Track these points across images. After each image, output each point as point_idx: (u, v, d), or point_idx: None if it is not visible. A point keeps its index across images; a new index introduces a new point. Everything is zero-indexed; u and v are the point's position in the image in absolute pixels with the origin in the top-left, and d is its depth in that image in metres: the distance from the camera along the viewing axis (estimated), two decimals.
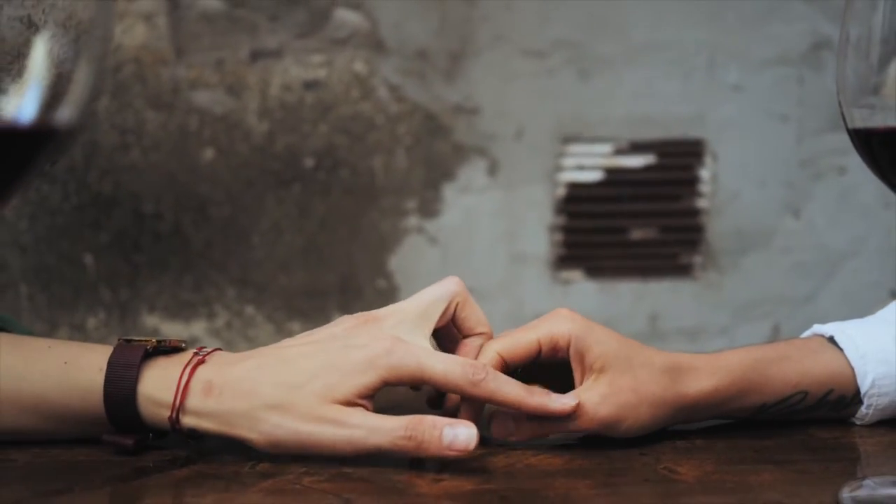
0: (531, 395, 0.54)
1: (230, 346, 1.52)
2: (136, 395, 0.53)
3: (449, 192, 1.51)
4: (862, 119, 0.45)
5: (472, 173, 1.52)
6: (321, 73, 1.51)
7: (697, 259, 1.56)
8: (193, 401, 0.53)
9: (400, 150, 1.50)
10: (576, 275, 1.53)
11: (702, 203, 1.55)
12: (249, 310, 1.51)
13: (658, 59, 1.52)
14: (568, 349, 0.55)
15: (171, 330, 1.49)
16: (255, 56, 1.48)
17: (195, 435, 0.54)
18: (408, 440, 0.51)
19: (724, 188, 1.55)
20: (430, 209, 1.52)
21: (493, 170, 1.53)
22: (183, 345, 0.56)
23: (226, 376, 0.53)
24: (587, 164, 1.53)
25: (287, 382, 0.52)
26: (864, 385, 0.58)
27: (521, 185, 1.53)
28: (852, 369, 0.58)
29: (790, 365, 0.57)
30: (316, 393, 0.51)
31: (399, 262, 1.49)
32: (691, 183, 1.55)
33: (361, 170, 1.52)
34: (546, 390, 0.54)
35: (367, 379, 0.52)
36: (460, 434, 0.51)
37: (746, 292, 1.57)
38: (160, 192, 1.47)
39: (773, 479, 0.51)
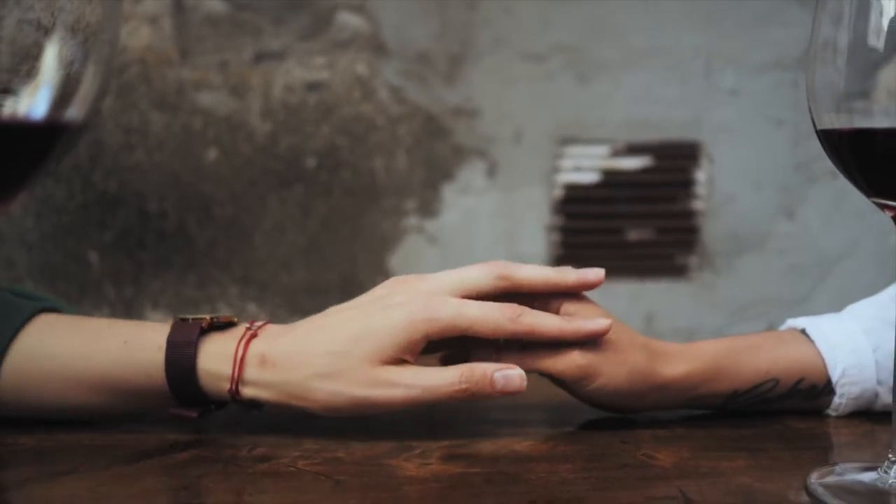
0: (568, 321, 0.56)
1: None
2: (196, 370, 0.55)
3: (449, 192, 1.54)
4: (840, 121, 0.47)
5: (472, 174, 1.54)
6: (323, 75, 1.54)
7: (693, 260, 1.58)
8: (250, 373, 0.55)
9: (400, 152, 1.52)
10: None
11: (698, 205, 1.57)
12: (252, 307, 1.53)
13: (655, 64, 1.55)
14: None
15: None
16: (259, 58, 1.50)
17: (256, 405, 0.56)
18: (463, 391, 0.53)
19: (719, 191, 1.57)
20: (430, 209, 1.54)
21: (492, 171, 1.55)
22: (235, 320, 0.58)
23: (277, 348, 0.55)
24: (585, 165, 1.55)
25: (335, 350, 0.54)
26: (835, 374, 0.60)
27: (519, 186, 1.55)
28: (823, 359, 0.60)
29: (761, 353, 0.60)
30: (363, 357, 0.54)
31: (399, 261, 1.51)
32: (687, 185, 1.57)
33: (363, 170, 1.54)
34: (577, 317, 0.57)
35: (409, 335, 0.54)
36: (512, 377, 0.53)
37: (742, 293, 1.59)
38: (164, 192, 1.49)
39: (746, 466, 0.53)
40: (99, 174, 1.50)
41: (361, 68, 1.51)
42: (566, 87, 1.53)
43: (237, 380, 0.55)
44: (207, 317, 0.57)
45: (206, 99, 1.49)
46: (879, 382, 0.60)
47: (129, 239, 1.51)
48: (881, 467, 0.49)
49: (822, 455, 0.56)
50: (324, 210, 1.52)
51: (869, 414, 0.62)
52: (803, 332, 0.62)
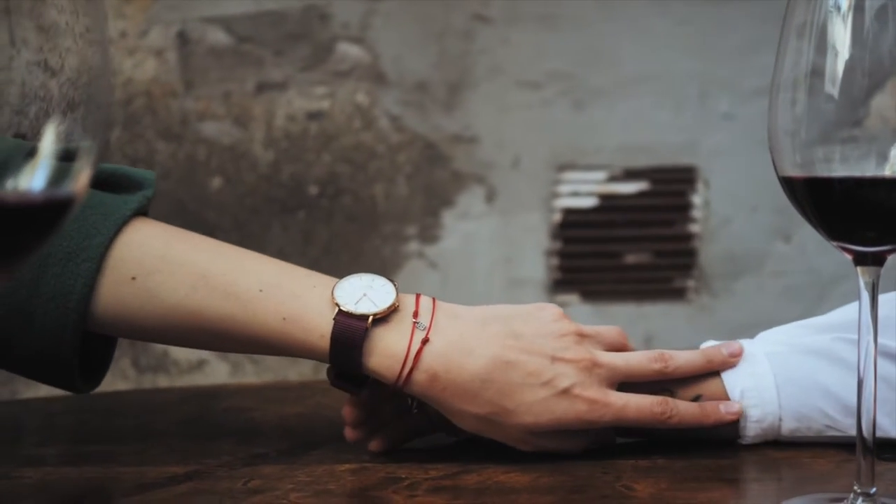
0: (706, 414, 0.60)
1: (239, 367, 1.56)
2: (362, 367, 0.57)
3: (448, 218, 1.56)
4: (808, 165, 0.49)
5: (471, 200, 1.57)
6: (324, 105, 1.57)
7: (690, 283, 1.60)
8: (416, 385, 0.57)
9: (400, 178, 1.55)
10: (571, 298, 1.58)
11: (694, 228, 1.60)
12: None
13: (650, 90, 1.57)
14: None
15: (181, 352, 1.54)
16: (261, 88, 1.54)
17: (416, 401, 0.59)
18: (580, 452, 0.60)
19: (716, 214, 1.59)
20: (429, 235, 1.57)
21: (490, 197, 1.58)
22: (397, 305, 0.57)
23: (453, 374, 0.56)
24: (582, 190, 1.57)
25: (505, 407, 0.57)
26: (734, 395, 0.62)
27: (517, 211, 1.58)
28: (721, 379, 0.62)
29: None
30: (524, 426, 0.58)
31: (400, 286, 1.53)
32: (684, 209, 1.59)
33: (363, 197, 1.57)
34: (711, 402, 0.60)
35: (569, 425, 0.59)
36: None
37: (739, 315, 1.61)
38: (170, 220, 1.52)
39: (722, 496, 0.55)
40: None
41: (361, 97, 1.54)
42: (562, 114, 1.55)
43: (403, 383, 0.57)
44: (371, 314, 0.56)
45: (209, 129, 1.53)
46: (781, 407, 0.61)
47: None
48: (847, 499, 0.51)
49: (799, 484, 0.58)
50: (325, 236, 1.55)
51: (848, 445, 0.63)
52: None
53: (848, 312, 0.62)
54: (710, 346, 0.62)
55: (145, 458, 0.63)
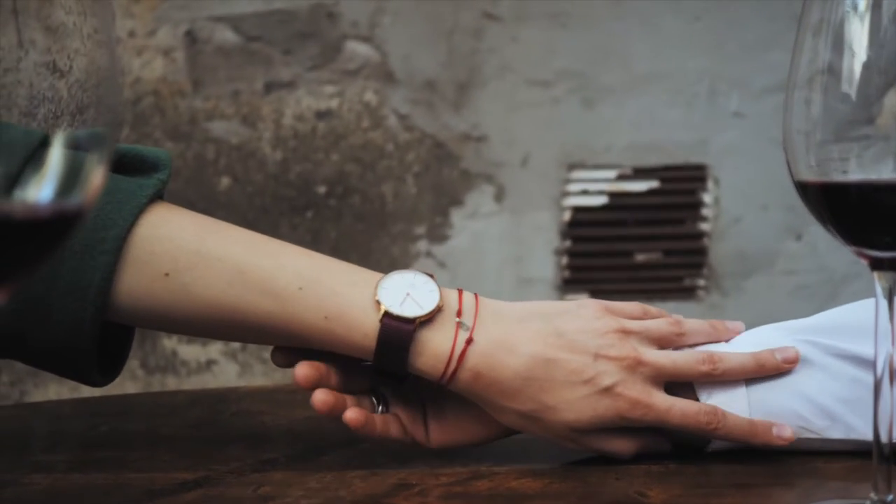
0: (755, 433, 0.58)
1: (246, 368, 1.56)
2: (407, 366, 0.56)
3: (457, 217, 1.56)
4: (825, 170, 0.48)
5: (480, 199, 1.56)
6: (333, 104, 1.56)
7: (701, 282, 1.59)
8: (461, 383, 0.57)
9: (409, 178, 1.54)
10: (581, 297, 1.57)
11: (705, 227, 1.59)
12: None
13: (660, 88, 1.57)
14: None
15: (189, 352, 1.54)
16: (270, 88, 1.53)
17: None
18: (630, 456, 0.59)
19: (726, 212, 1.58)
20: (438, 234, 1.56)
21: (499, 196, 1.57)
22: (441, 306, 0.56)
23: (496, 372, 0.56)
24: (592, 189, 1.57)
25: (547, 404, 0.57)
26: (702, 395, 0.60)
27: (527, 210, 1.57)
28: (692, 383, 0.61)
29: None
30: (566, 423, 0.58)
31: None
32: (694, 207, 1.58)
33: (372, 196, 1.56)
34: (763, 421, 0.59)
35: (611, 423, 0.58)
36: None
37: (749, 314, 1.59)
38: None
39: (735, 503, 0.55)
40: None
41: (370, 96, 1.54)
42: (572, 112, 1.55)
43: (447, 382, 0.57)
44: (417, 317, 0.56)
45: (218, 128, 1.52)
46: (751, 407, 0.60)
47: None
48: None
49: (811, 492, 0.58)
50: (334, 235, 1.54)
51: (860, 452, 0.63)
52: None
53: (829, 316, 0.61)
54: (764, 350, 0.59)
55: (155, 464, 0.62)
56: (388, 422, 0.59)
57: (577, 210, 1.57)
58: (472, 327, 0.56)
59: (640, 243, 1.58)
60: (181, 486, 0.59)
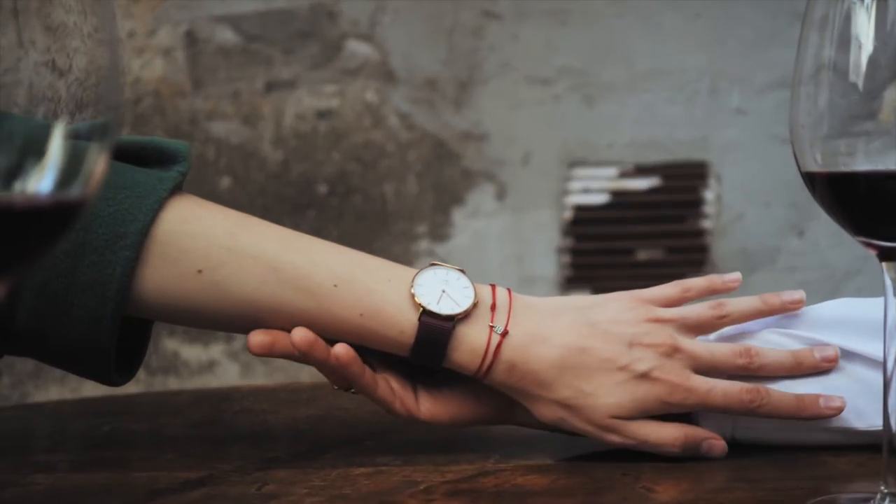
0: (802, 407, 0.57)
1: (248, 368, 1.56)
2: (444, 363, 0.57)
3: (458, 216, 1.56)
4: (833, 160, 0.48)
5: (481, 198, 1.56)
6: (333, 103, 1.56)
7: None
8: (497, 375, 0.57)
9: (410, 177, 1.54)
10: (588, 294, 1.57)
11: (707, 224, 1.58)
12: None
13: (661, 85, 1.56)
14: None
15: (191, 353, 1.54)
16: (270, 87, 1.53)
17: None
18: (674, 451, 0.57)
19: (728, 209, 1.58)
20: (440, 233, 1.56)
21: (501, 194, 1.57)
22: (476, 303, 0.56)
23: (531, 363, 0.57)
24: (593, 187, 1.56)
25: (584, 390, 0.57)
26: None
27: (528, 208, 1.57)
28: None
29: None
30: (605, 408, 0.57)
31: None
32: (696, 204, 1.58)
33: (373, 195, 1.56)
34: (810, 394, 0.57)
35: (651, 409, 0.57)
36: (715, 446, 0.58)
37: None
38: None
39: (745, 497, 0.54)
40: None
41: (371, 95, 1.54)
42: (573, 110, 1.54)
43: (483, 375, 0.57)
44: (455, 314, 0.56)
45: (218, 128, 1.52)
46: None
47: None
48: (873, 500, 0.50)
49: (822, 485, 0.57)
50: (335, 235, 1.54)
51: (871, 448, 0.62)
52: None
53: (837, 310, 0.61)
54: (800, 349, 0.59)
55: (158, 464, 0.62)
56: (376, 380, 0.58)
57: (579, 208, 1.57)
58: (507, 320, 0.57)
59: (641, 241, 1.58)
60: (184, 485, 0.58)
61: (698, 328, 0.59)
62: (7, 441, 0.69)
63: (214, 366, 1.52)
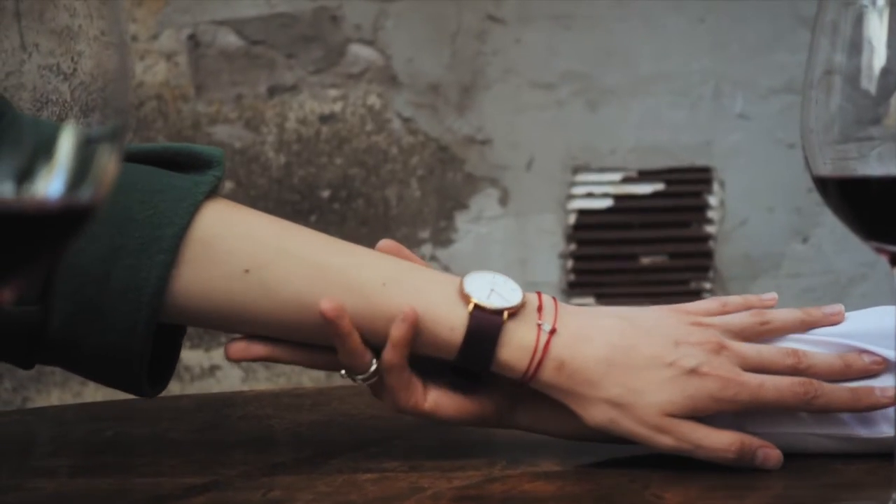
0: (857, 398, 0.56)
1: (250, 373, 1.56)
2: (493, 361, 0.56)
3: (461, 221, 1.55)
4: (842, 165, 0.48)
5: (484, 203, 1.56)
6: (336, 107, 1.56)
7: (707, 284, 1.58)
8: (545, 374, 0.56)
9: (413, 181, 1.54)
10: (587, 301, 1.56)
11: (710, 229, 1.58)
12: None
13: (664, 89, 1.56)
14: None
15: (193, 358, 1.53)
16: (273, 91, 1.53)
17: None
18: (728, 458, 0.56)
19: (732, 214, 1.57)
20: (443, 238, 1.56)
21: (504, 199, 1.56)
22: (524, 300, 0.56)
23: (578, 360, 0.56)
24: (597, 192, 1.56)
25: (633, 387, 0.56)
26: None
27: (532, 213, 1.56)
28: None
29: None
30: (657, 405, 0.56)
31: None
32: (700, 209, 1.58)
33: (376, 200, 1.56)
34: (865, 385, 0.56)
35: (703, 407, 0.56)
36: (771, 456, 0.56)
37: None
38: None
39: None
40: None
41: (373, 100, 1.53)
42: (576, 115, 1.54)
43: (530, 378, 0.56)
44: (505, 308, 0.56)
45: (221, 132, 1.52)
46: None
47: None
48: None
49: (831, 493, 0.57)
50: None
51: (881, 456, 0.62)
52: None
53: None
54: (847, 353, 0.58)
55: (161, 469, 0.61)
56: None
57: (582, 213, 1.56)
58: (554, 319, 0.56)
59: (645, 246, 1.57)
60: (188, 490, 0.58)
61: (741, 334, 0.58)
62: (9, 445, 0.69)
63: (216, 371, 1.51)
